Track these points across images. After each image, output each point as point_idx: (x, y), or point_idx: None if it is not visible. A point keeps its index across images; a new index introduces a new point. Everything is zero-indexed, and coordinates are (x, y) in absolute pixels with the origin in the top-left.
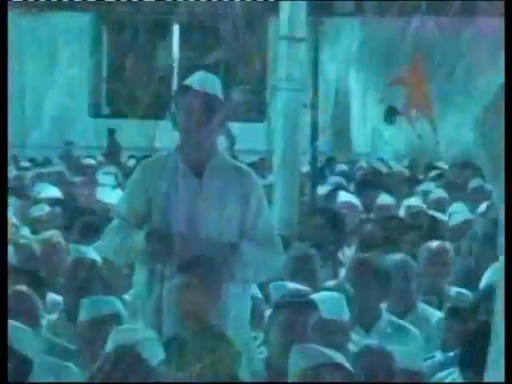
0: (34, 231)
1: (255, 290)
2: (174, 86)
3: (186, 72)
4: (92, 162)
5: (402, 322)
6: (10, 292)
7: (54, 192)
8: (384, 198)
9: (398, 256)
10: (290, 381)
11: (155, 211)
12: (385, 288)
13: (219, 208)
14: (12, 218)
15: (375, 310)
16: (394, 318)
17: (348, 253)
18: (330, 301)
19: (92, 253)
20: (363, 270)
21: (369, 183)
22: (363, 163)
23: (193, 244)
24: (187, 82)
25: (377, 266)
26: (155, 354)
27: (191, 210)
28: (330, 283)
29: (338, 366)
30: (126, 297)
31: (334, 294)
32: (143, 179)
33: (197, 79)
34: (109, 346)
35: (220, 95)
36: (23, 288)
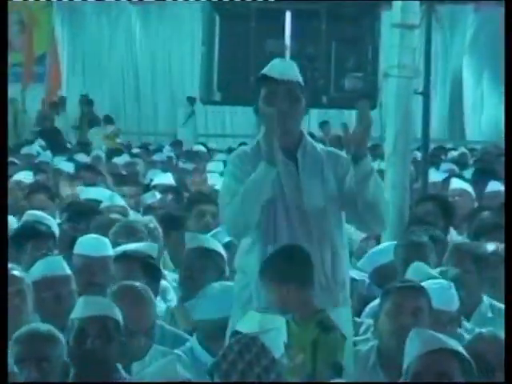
0: None
1: (353, 272)
2: None
3: (298, 59)
4: (202, 148)
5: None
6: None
7: (166, 179)
8: (494, 185)
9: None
10: (405, 366)
11: None
12: (482, 274)
13: (317, 184)
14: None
15: (476, 295)
16: (495, 302)
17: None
18: (438, 290)
19: (210, 242)
20: (461, 255)
21: (483, 171)
22: (477, 150)
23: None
24: (266, 71)
25: (474, 251)
26: (278, 346)
27: (293, 195)
28: (436, 270)
29: (454, 353)
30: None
31: (443, 282)
32: (241, 165)
33: (276, 68)
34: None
35: (300, 80)
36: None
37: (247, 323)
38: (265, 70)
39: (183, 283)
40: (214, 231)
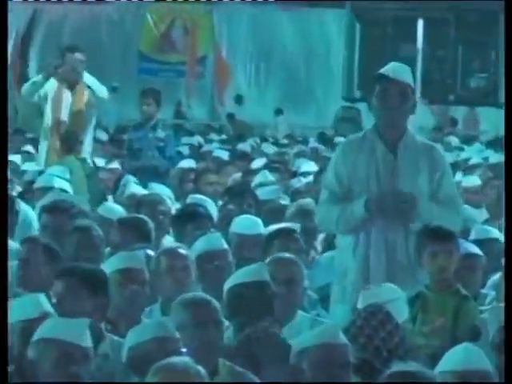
0: (293, 201)
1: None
2: (418, 75)
3: (429, 63)
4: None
5: None
6: None
7: (312, 166)
8: None
9: None
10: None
11: (355, 184)
12: None
13: (411, 177)
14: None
15: None
16: None
17: None
18: None
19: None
20: None
21: None
22: None
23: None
24: (383, 71)
25: None
26: (402, 313)
27: (388, 181)
28: None
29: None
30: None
31: None
32: (344, 155)
33: (391, 68)
34: (359, 304)
35: (411, 82)
36: None
37: (361, 300)
38: (381, 70)
39: None
40: None
